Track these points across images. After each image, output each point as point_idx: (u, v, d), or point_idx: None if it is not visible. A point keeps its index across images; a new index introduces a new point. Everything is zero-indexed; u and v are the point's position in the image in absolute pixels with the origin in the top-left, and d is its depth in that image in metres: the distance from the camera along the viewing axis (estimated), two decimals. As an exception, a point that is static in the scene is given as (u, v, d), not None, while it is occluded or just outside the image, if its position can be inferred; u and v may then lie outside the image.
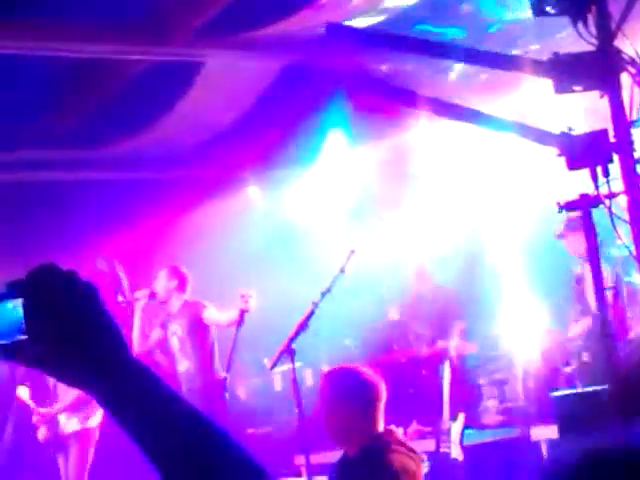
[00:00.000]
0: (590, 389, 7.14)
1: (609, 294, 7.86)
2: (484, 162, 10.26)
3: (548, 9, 4.33)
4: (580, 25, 4.29)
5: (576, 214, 4.41)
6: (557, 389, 8.61)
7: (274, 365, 6.89)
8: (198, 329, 8.59)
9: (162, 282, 8.76)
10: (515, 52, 8.55)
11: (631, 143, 4.20)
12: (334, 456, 4.47)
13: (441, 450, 8.07)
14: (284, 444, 9.18)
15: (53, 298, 1.32)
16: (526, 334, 9.49)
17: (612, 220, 4.17)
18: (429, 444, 8.28)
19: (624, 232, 4.19)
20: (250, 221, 11.43)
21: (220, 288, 8.95)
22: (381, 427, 4.20)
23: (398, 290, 10.52)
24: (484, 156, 10.18)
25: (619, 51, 4.28)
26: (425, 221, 10.66)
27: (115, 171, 10.99)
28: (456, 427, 8.12)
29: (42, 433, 9.13)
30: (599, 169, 4.19)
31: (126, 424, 1.34)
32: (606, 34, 4.27)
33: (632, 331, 8.00)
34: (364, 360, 8.30)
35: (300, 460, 8.07)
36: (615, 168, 4.21)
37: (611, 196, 4.21)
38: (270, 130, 10.30)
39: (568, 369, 8.69)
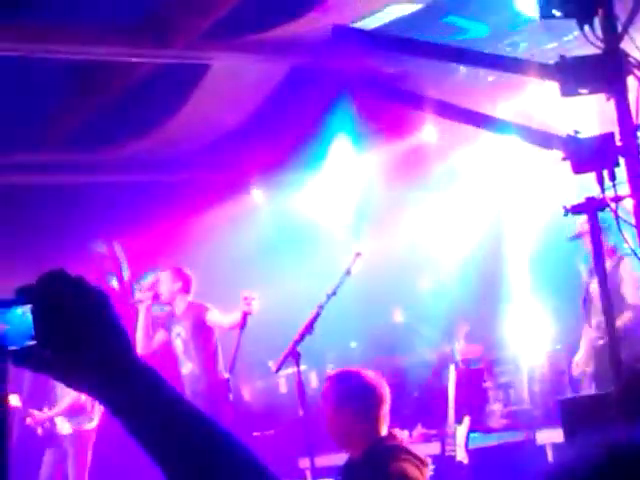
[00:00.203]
0: (597, 393, 7.12)
1: None
2: (494, 164, 10.26)
3: (555, 12, 4.32)
4: (586, 28, 4.29)
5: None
6: (563, 393, 8.60)
7: (279, 368, 6.88)
8: (202, 331, 8.59)
9: (166, 284, 8.75)
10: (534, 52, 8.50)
11: (637, 146, 4.19)
12: (339, 459, 4.46)
13: (446, 453, 8.05)
14: (289, 447, 9.18)
15: (62, 304, 1.33)
16: (532, 338, 9.48)
17: (618, 223, 4.16)
18: (434, 447, 8.27)
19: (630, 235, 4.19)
20: (255, 224, 11.43)
21: (224, 290, 8.94)
22: (385, 430, 4.19)
23: (404, 292, 10.53)
24: (493, 158, 10.17)
25: (625, 54, 4.27)
26: (432, 223, 10.66)
27: (120, 174, 11.00)
28: (461, 430, 8.10)
29: (38, 431, 9.17)
30: (605, 173, 4.19)
31: (132, 427, 1.34)
32: (612, 37, 4.26)
33: None
34: (369, 363, 8.30)
35: (305, 463, 8.06)
36: (621, 172, 4.21)
37: (617, 199, 4.20)
38: (276, 133, 10.30)
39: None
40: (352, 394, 4.17)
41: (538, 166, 9.54)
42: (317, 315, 6.43)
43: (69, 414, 9.16)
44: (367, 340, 10.52)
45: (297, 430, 7.54)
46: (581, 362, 8.31)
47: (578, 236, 8.30)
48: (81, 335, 1.33)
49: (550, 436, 8.21)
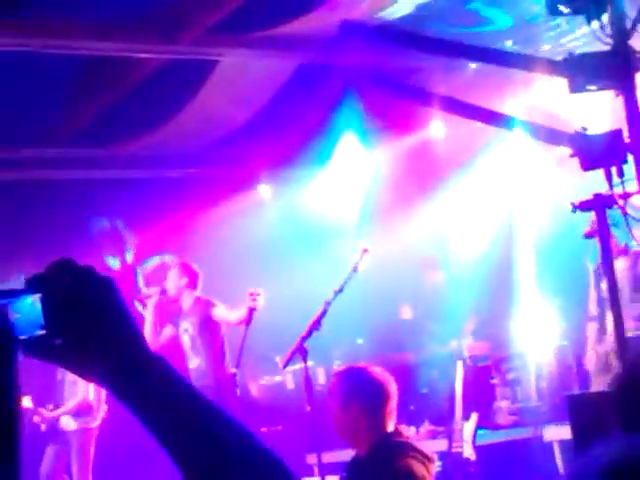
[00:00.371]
0: (604, 390, 7.10)
1: None
2: (504, 161, 10.25)
3: (562, 8, 4.32)
4: (595, 24, 4.28)
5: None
6: (570, 389, 8.59)
7: (287, 364, 6.88)
8: (209, 327, 8.60)
9: (173, 280, 8.76)
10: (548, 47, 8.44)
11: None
12: (346, 455, 4.46)
13: (453, 450, 8.04)
14: (296, 443, 9.17)
15: (71, 293, 1.33)
16: (539, 334, 9.47)
17: (626, 220, 4.16)
18: (441, 444, 8.26)
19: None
20: (262, 220, 11.43)
21: (231, 285, 8.95)
22: (391, 427, 4.19)
23: (411, 289, 10.53)
24: (504, 155, 10.17)
25: (634, 51, 4.27)
26: (439, 219, 10.65)
27: (127, 170, 11.01)
28: (468, 427, 8.09)
29: (42, 427, 9.21)
30: (614, 169, 4.19)
31: (144, 417, 1.33)
32: (621, 34, 4.26)
33: None
34: (376, 359, 8.29)
35: (312, 459, 8.05)
36: (629, 168, 4.21)
37: (625, 196, 4.20)
38: (283, 129, 10.30)
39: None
40: (359, 390, 4.17)
41: (548, 163, 9.54)
42: (324, 311, 6.44)
43: (76, 414, 9.19)
44: (374, 337, 10.52)
45: (304, 426, 7.55)
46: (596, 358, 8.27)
47: (591, 234, 8.27)
48: (90, 324, 1.32)
49: (557, 433, 8.19)
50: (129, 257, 11.35)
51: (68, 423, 9.20)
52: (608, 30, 4.23)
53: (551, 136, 4.72)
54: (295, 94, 9.67)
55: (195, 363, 8.63)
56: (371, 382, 4.19)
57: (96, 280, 1.35)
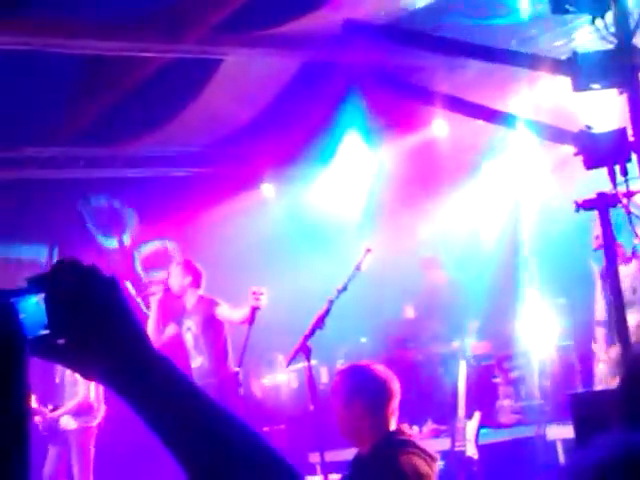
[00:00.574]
0: (607, 388, 7.09)
1: None
2: (509, 160, 10.25)
3: (567, 6, 4.31)
4: (599, 23, 4.28)
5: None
6: (573, 388, 8.58)
7: (290, 363, 6.88)
8: (212, 326, 8.60)
9: (177, 278, 8.76)
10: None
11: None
12: (349, 454, 4.46)
13: (456, 449, 8.04)
14: (299, 442, 9.18)
15: (74, 292, 1.33)
16: (542, 333, 9.46)
17: (630, 219, 4.15)
18: (444, 443, 8.26)
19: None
20: (265, 218, 11.44)
21: (234, 284, 8.95)
22: (394, 425, 4.19)
23: (414, 287, 10.53)
24: (508, 155, 10.17)
25: (638, 49, 4.26)
26: (443, 218, 10.65)
27: (130, 169, 11.01)
28: (471, 426, 8.09)
29: (41, 427, 9.19)
30: (617, 168, 4.18)
31: (148, 417, 1.33)
32: (625, 32, 4.25)
33: None
34: (379, 358, 8.29)
35: (315, 458, 8.06)
36: (633, 167, 4.20)
37: (629, 195, 4.19)
38: (287, 128, 10.31)
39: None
40: (362, 388, 4.16)
41: (551, 162, 9.54)
42: (328, 310, 6.43)
43: (77, 413, 9.18)
44: (378, 335, 10.51)
45: (307, 425, 7.55)
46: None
47: (600, 246, 8.22)
48: (94, 324, 1.33)
49: (561, 431, 8.19)
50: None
51: (68, 422, 9.18)
52: (612, 28, 4.23)
53: (554, 134, 4.71)
54: (299, 93, 9.67)
55: (198, 362, 8.63)
56: (374, 380, 4.19)
57: (100, 280, 1.35)
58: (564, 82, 4.70)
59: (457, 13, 8.10)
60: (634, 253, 7.80)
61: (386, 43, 8.65)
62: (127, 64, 8.69)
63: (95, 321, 1.32)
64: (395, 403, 4.18)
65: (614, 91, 4.37)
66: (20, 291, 1.33)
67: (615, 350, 8.10)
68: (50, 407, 9.18)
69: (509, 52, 7.98)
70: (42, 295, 1.32)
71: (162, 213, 11.27)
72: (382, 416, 4.14)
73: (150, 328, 8.53)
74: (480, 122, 9.13)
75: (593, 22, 4.23)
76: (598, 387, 8.32)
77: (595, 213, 4.47)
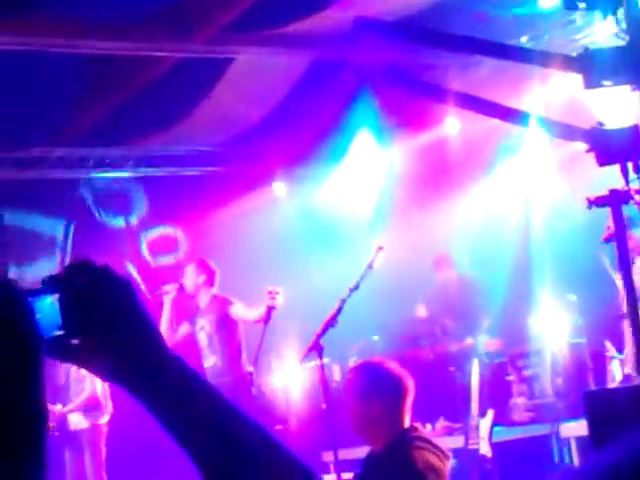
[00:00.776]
0: (622, 385, 7.08)
1: None
2: (521, 156, 10.24)
3: (578, 2, 4.30)
4: (610, 19, 4.27)
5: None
6: (587, 385, 8.56)
7: (302, 361, 6.89)
8: (226, 325, 8.60)
9: (190, 277, 8.77)
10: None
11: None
12: (363, 452, 4.45)
13: (470, 446, 8.03)
14: (312, 440, 9.18)
15: (88, 292, 1.33)
16: (556, 331, 9.44)
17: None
18: (458, 440, 8.25)
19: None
20: (277, 217, 11.44)
21: (246, 283, 8.96)
22: (407, 423, 4.18)
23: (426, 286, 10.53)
24: (521, 151, 10.15)
25: (650, 45, 4.25)
26: (456, 216, 10.64)
27: (142, 168, 11.03)
28: (485, 423, 8.08)
29: (52, 426, 9.18)
30: (630, 165, 4.17)
31: (162, 417, 1.33)
32: (637, 28, 4.24)
33: None
34: (392, 356, 8.29)
35: (328, 456, 8.06)
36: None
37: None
38: (298, 127, 10.31)
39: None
40: (379, 386, 4.15)
41: (561, 160, 9.52)
42: (340, 308, 6.43)
43: (86, 409, 9.17)
44: (390, 333, 10.51)
45: (320, 423, 7.55)
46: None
47: (609, 238, 8.21)
48: (108, 324, 1.33)
49: (575, 429, 8.17)
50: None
51: (79, 422, 9.17)
52: (623, 25, 4.21)
53: (567, 132, 4.70)
54: (310, 91, 9.67)
55: (211, 361, 8.63)
56: (390, 378, 4.18)
57: (114, 280, 1.36)
58: (576, 79, 4.68)
59: (473, 3, 8.06)
60: None
61: (397, 41, 8.63)
62: (137, 64, 8.71)
63: (109, 321, 1.33)
64: (410, 400, 4.17)
65: (627, 88, 4.36)
66: (35, 291, 1.33)
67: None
68: (59, 407, 9.17)
69: (520, 49, 7.97)
70: (57, 295, 1.33)
71: (173, 213, 11.29)
72: (396, 413, 4.13)
73: (163, 327, 8.54)
74: (492, 120, 9.11)
75: (605, 18, 4.22)
76: (612, 385, 8.31)
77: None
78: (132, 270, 8.42)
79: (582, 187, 7.05)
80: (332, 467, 7.81)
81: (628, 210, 4.63)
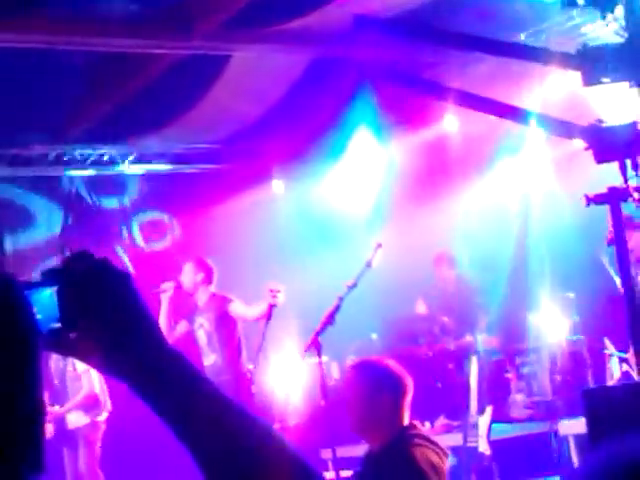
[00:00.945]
0: (620, 383, 7.07)
1: None
2: (520, 154, 10.23)
3: (577, 0, 4.30)
4: (609, 16, 4.26)
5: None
6: (585, 383, 8.56)
7: (304, 357, 6.90)
8: (225, 323, 8.59)
9: (188, 275, 8.76)
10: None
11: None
12: (361, 449, 4.45)
13: (468, 444, 8.03)
14: (310, 438, 9.18)
15: (86, 285, 1.32)
16: (554, 328, 9.45)
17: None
18: (456, 438, 8.25)
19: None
20: (275, 215, 11.44)
21: (244, 280, 8.96)
22: (406, 421, 4.18)
23: (424, 283, 10.52)
24: (520, 149, 10.15)
25: (649, 42, 4.24)
26: (454, 213, 10.64)
27: (140, 165, 11.03)
28: (483, 421, 8.08)
29: (49, 429, 9.15)
30: (628, 162, 4.16)
31: (162, 413, 1.33)
32: (636, 26, 4.23)
33: None
34: (391, 354, 8.29)
35: (327, 454, 8.06)
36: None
37: (640, 189, 4.18)
38: (297, 124, 10.30)
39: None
40: (379, 384, 4.15)
41: (558, 157, 9.52)
42: (338, 306, 6.43)
43: (85, 407, 9.14)
44: (388, 331, 10.51)
45: (319, 421, 7.55)
46: None
47: (613, 241, 8.19)
48: (106, 317, 1.32)
49: (573, 426, 8.17)
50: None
51: (79, 419, 9.15)
52: (622, 22, 4.21)
53: (565, 129, 4.70)
54: (309, 88, 9.66)
55: (211, 359, 8.62)
56: (389, 376, 4.18)
57: (113, 274, 1.35)
58: (575, 76, 4.68)
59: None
60: None
61: (397, 38, 8.63)
62: (136, 61, 8.70)
63: (107, 314, 1.32)
64: (408, 398, 4.17)
65: (626, 85, 4.36)
66: (34, 284, 1.33)
67: None
68: (57, 408, 9.14)
69: (519, 46, 7.96)
70: (55, 288, 1.32)
71: (171, 210, 11.29)
72: (395, 411, 4.13)
73: (161, 325, 8.53)
74: (492, 117, 9.11)
75: (604, 16, 4.22)
76: (610, 382, 8.31)
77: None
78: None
79: (581, 185, 7.06)
80: (331, 465, 7.81)
81: (628, 209, 4.62)
